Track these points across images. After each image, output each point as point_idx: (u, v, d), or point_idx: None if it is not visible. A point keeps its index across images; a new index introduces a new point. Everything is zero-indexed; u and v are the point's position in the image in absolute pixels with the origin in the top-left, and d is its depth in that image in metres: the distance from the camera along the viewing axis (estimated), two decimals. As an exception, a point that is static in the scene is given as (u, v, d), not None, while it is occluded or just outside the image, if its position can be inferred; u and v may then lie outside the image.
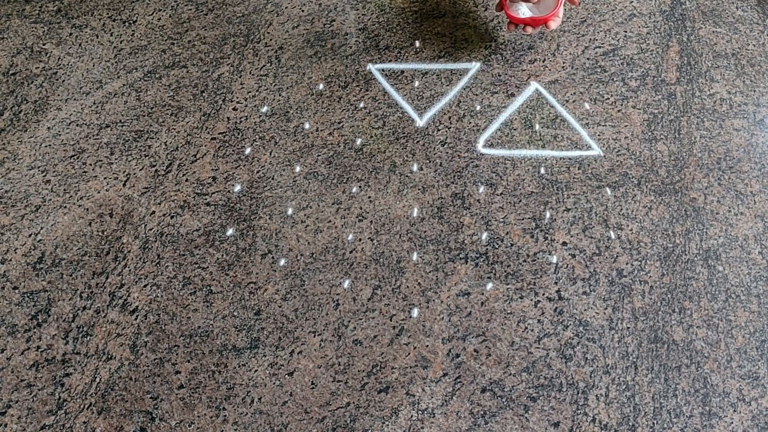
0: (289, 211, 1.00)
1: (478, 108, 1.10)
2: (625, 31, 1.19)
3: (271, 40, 1.23)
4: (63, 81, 1.20)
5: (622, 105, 1.09)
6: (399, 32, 1.21)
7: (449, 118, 1.09)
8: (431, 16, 1.23)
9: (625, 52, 1.16)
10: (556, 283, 0.91)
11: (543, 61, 1.15)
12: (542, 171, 1.02)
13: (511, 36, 1.18)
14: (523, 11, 0.92)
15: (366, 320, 0.90)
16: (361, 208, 1.00)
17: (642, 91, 1.10)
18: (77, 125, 1.13)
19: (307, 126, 1.10)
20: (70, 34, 1.27)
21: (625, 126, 1.06)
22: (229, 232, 0.99)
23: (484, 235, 0.96)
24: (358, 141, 1.07)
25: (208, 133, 1.10)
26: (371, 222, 0.98)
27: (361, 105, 1.12)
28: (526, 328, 0.88)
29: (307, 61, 1.19)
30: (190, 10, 1.29)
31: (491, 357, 0.86)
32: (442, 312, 0.90)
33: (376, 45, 1.19)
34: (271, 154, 1.07)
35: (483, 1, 1.24)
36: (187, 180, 1.05)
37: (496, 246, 0.95)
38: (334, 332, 0.89)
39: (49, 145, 1.11)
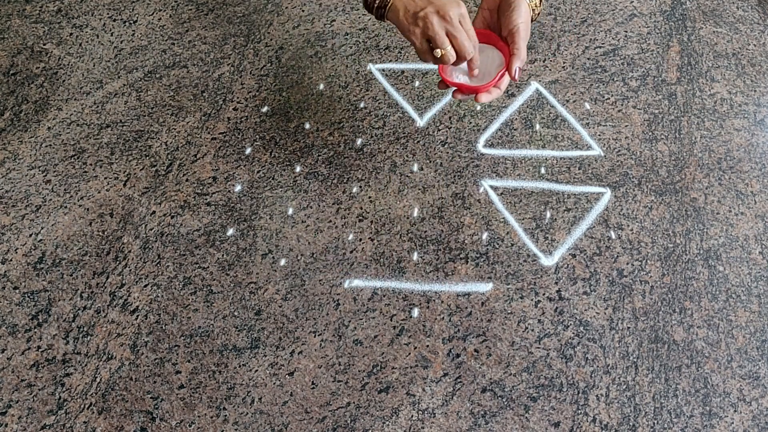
0: (290, 211, 1.00)
1: (479, 108, 1.10)
2: (626, 31, 1.19)
3: (271, 40, 1.23)
4: (63, 81, 1.20)
5: (622, 105, 1.09)
6: (399, 32, 1.21)
7: (449, 118, 1.09)
8: (431, 16, 1.23)
9: (626, 52, 1.16)
10: (556, 283, 0.91)
11: (543, 61, 1.15)
12: (542, 171, 1.02)
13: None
14: (457, 75, 0.84)
15: (366, 320, 0.90)
16: (361, 208, 1.00)
17: (642, 91, 1.10)
18: (77, 125, 1.13)
19: (307, 126, 1.10)
20: (71, 34, 1.27)
21: (626, 126, 1.06)
22: (230, 232, 0.99)
23: (485, 235, 0.96)
24: (359, 141, 1.07)
25: (209, 133, 1.10)
26: (372, 222, 0.98)
27: (362, 105, 1.12)
28: (526, 328, 0.88)
29: (308, 61, 1.19)
30: (191, 10, 1.29)
31: (492, 357, 0.86)
32: (443, 312, 0.90)
33: (376, 45, 1.19)
34: (271, 154, 1.07)
35: (483, 1, 1.24)
36: (187, 180, 1.05)
37: (497, 246, 0.95)
38: (334, 332, 0.89)
39: (50, 145, 1.11)
